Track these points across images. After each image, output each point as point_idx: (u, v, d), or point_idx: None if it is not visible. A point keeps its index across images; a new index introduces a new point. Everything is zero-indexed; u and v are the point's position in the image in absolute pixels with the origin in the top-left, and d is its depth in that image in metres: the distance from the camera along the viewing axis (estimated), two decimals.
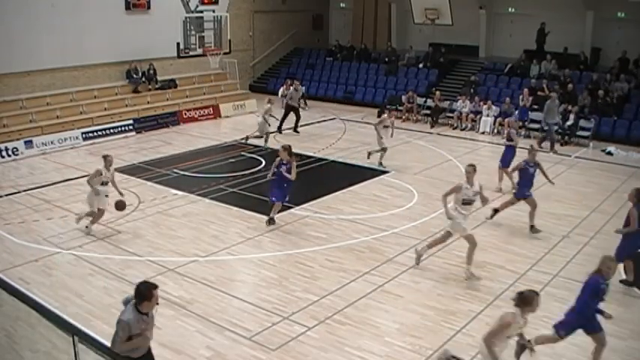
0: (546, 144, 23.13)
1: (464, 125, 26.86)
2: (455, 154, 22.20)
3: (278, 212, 15.17)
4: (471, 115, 26.84)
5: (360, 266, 12.78)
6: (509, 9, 32.91)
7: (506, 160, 18.14)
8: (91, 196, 14.27)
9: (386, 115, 20.91)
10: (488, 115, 26.18)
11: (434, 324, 10.65)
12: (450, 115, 27.58)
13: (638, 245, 12.21)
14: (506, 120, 17.34)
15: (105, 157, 14.39)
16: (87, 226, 14.53)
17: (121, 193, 14.51)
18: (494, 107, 26.34)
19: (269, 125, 22.99)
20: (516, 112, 25.63)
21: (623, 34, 29.11)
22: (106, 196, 14.38)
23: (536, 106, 26.38)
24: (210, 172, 19.35)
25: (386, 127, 20.36)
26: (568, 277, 12.53)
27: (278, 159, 15.03)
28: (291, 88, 26.09)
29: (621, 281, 12.37)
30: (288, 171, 14.77)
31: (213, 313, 10.87)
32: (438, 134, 25.67)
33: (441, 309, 11.15)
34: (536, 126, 25.63)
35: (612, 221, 15.77)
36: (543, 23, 30.33)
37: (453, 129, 26.75)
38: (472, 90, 28.58)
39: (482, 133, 25.95)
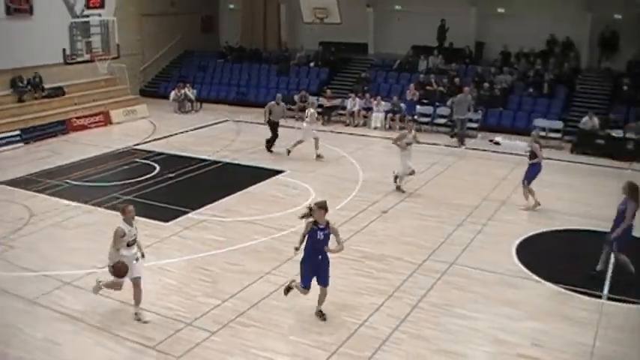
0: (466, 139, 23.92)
1: (356, 122, 27.25)
2: (348, 150, 22.50)
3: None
4: (363, 112, 27.27)
5: (260, 267, 12.77)
6: (396, 6, 33.58)
7: (530, 177, 16.56)
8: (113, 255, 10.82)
9: (406, 129, 18.06)
10: (378, 111, 26.67)
11: (336, 319, 10.76)
12: (342, 112, 27.90)
13: (629, 238, 12.37)
14: (532, 133, 16.74)
15: (123, 209, 10.84)
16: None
17: (142, 254, 11.09)
18: (383, 103, 26.87)
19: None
20: (402, 105, 26.37)
21: (504, 29, 30.22)
22: (136, 260, 10.79)
23: (425, 101, 27.16)
24: (104, 181, 18.88)
25: (408, 144, 17.49)
26: (464, 264, 12.94)
27: (308, 222, 10.46)
28: (273, 101, 22.68)
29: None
30: (328, 237, 10.43)
31: (115, 324, 10.62)
32: (331, 132, 25.91)
33: (342, 304, 11.27)
34: (426, 119, 26.48)
35: (503, 208, 16.43)
36: (443, 20, 31.23)
37: (346, 126, 27.09)
38: (363, 87, 29.04)
39: (375, 128, 26.40)
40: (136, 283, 10.69)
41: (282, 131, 22.41)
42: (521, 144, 23.60)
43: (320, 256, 10.48)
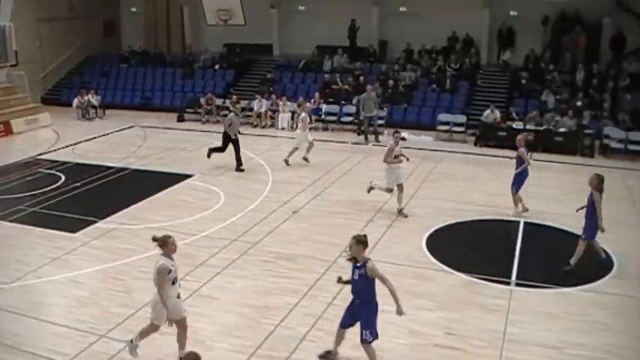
0: (371, 136, 24.24)
1: (263, 123, 27.25)
2: (257, 151, 22.49)
3: None
4: (270, 113, 27.30)
5: None
6: (299, 7, 33.79)
7: (519, 183, 16.20)
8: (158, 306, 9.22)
9: (392, 141, 16.24)
10: (284, 112, 26.75)
11: (253, 321, 10.76)
12: (250, 114, 27.86)
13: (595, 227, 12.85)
14: (518, 138, 16.33)
15: (165, 241, 9.10)
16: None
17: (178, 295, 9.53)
18: (289, 103, 26.93)
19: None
20: (308, 105, 26.50)
21: (407, 27, 30.85)
22: (178, 296, 9.44)
23: (331, 100, 27.44)
24: (7, 193, 18.26)
25: (397, 156, 16.04)
26: (376, 259, 12.98)
27: (347, 253, 9.26)
28: (232, 113, 21.09)
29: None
30: (365, 277, 8.96)
31: (26, 341, 10.27)
32: (240, 133, 25.80)
33: (258, 306, 11.29)
34: (333, 118, 26.76)
35: (412, 202, 16.75)
36: (354, 20, 31.52)
37: (253, 127, 27.05)
38: (269, 88, 29.08)
39: (282, 129, 26.49)
40: (183, 325, 9.46)
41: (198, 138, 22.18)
42: (426, 139, 24.24)
43: (357, 301, 9.13)
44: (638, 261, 13.51)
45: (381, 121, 25.66)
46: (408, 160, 16.23)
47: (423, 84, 28.41)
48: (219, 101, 28.69)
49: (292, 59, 32.37)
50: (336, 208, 16.52)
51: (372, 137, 24.27)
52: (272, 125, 27.11)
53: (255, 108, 27.48)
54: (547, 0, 28.84)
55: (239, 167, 20.15)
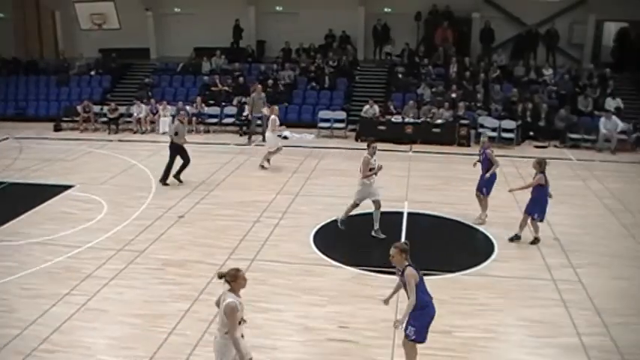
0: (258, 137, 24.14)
1: (144, 128, 26.75)
2: (139, 158, 22.04)
3: None
4: (150, 117, 26.82)
5: (58, 288, 12.20)
6: (175, 9, 33.38)
7: (489, 187, 15.68)
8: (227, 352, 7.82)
9: (367, 152, 14.63)
10: (165, 116, 26.35)
11: (145, 331, 10.55)
12: (129, 119, 27.28)
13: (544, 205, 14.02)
14: (482, 140, 16.17)
15: (234, 274, 7.85)
16: None
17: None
18: (169, 107, 26.54)
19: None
20: (187, 108, 26.32)
21: (284, 26, 31.04)
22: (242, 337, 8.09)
23: (211, 102, 27.27)
24: None
25: (372, 169, 14.53)
26: (264, 259, 13.18)
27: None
28: (176, 120, 19.79)
29: (510, 239, 14.29)
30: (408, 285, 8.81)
31: None
32: (120, 140, 25.26)
33: (149, 315, 11.08)
34: (214, 120, 26.60)
35: (298, 200, 16.89)
36: (238, 20, 31.36)
37: (134, 133, 26.51)
38: (148, 92, 28.58)
39: (163, 133, 26.00)
40: None
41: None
42: (308, 136, 24.48)
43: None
44: (517, 243, 14.17)
45: (260, 121, 25.64)
46: (380, 168, 14.60)
47: (303, 82, 28.67)
48: (96, 108, 27.92)
49: (170, 62, 31.91)
50: (222, 210, 16.44)
51: (256, 137, 24.24)
52: (152, 130, 26.63)
53: (135, 114, 26.91)
54: None
55: (165, 180, 18.74)
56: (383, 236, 14.26)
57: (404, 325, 8.70)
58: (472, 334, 10.31)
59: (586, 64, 29.96)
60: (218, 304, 7.85)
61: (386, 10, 30.94)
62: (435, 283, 12.08)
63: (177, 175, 18.79)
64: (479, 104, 26.09)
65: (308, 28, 30.38)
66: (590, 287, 12.14)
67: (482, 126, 24.54)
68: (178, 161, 18.82)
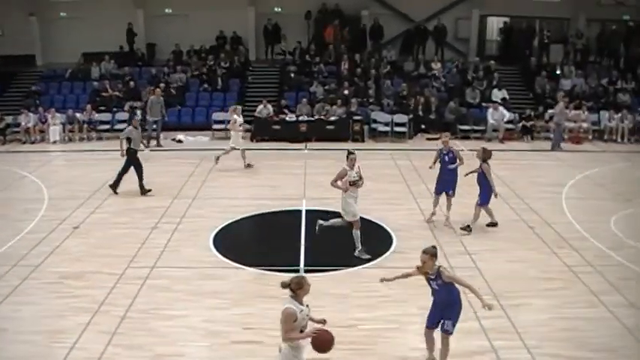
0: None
1: (33, 138, 25.78)
2: (29, 169, 21.23)
3: None
4: (39, 127, 25.86)
5: None
6: (61, 13, 32.28)
7: (453, 184, 15.31)
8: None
9: (346, 163, 13.48)
10: (55, 124, 25.47)
11: (46, 348, 10.14)
12: (17, 129, 26.23)
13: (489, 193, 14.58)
14: (443, 135, 15.71)
15: (300, 282, 7.94)
16: None
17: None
18: (58, 115, 25.62)
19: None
20: (77, 115, 25.64)
21: (174, 29, 30.59)
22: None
23: (102, 108, 26.61)
24: None
25: (353, 183, 13.30)
26: (165, 265, 12.94)
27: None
28: (130, 126, 18.56)
29: (488, 224, 14.98)
30: (445, 284, 9.02)
31: None
32: (8, 152, 24.32)
33: (49, 330, 10.65)
34: (106, 127, 25.95)
35: (195, 204, 16.68)
36: (130, 24, 30.60)
37: (23, 143, 25.50)
38: (35, 101, 27.56)
39: (54, 142, 25.18)
40: None
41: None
42: (203, 139, 24.25)
43: (441, 306, 9.18)
44: (414, 234, 14.50)
45: (155, 125, 25.26)
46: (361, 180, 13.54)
47: (195, 84, 28.38)
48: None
49: (58, 69, 30.82)
50: (118, 218, 16.04)
51: (152, 142, 23.79)
52: (42, 140, 25.70)
53: (23, 123, 25.85)
54: None
55: (115, 188, 17.91)
56: (367, 256, 13.22)
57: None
58: (376, 325, 10.47)
59: (472, 57, 30.92)
60: None
61: (276, 9, 31.02)
62: (336, 278, 12.26)
63: (142, 189, 17.74)
64: (371, 100, 26.54)
65: (198, 29, 30.09)
66: (487, 272, 12.56)
67: (375, 121, 25.02)
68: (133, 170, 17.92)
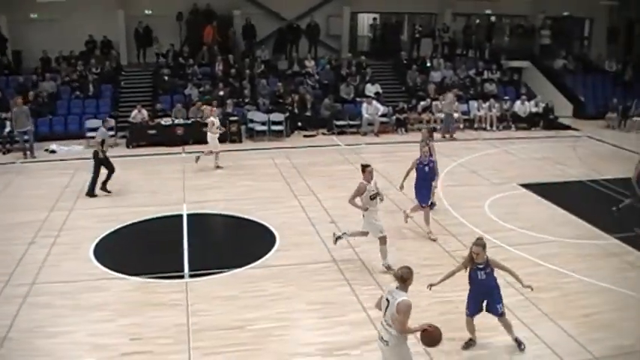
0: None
1: None
2: None
3: None
4: None
5: None
6: None
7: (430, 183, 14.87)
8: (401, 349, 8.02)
9: (363, 179, 12.56)
10: None
11: None
12: None
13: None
14: (422, 131, 15.73)
15: (410, 273, 8.03)
16: None
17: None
18: None
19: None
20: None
21: (41, 35, 29.40)
22: None
23: None
24: None
25: (373, 197, 12.60)
26: (45, 281, 12.47)
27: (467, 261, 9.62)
28: (102, 128, 18.01)
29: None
30: (492, 273, 9.59)
31: None
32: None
33: None
34: None
35: (72, 216, 16.17)
36: None
37: None
38: None
39: None
40: None
41: None
42: (77, 148, 23.51)
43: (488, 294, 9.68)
44: (296, 231, 14.68)
45: (27, 136, 24.25)
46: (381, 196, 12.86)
47: (66, 92, 27.43)
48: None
49: None
50: None
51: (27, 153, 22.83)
52: None
53: None
54: None
55: (92, 192, 17.69)
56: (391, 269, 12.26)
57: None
58: (266, 324, 10.54)
59: (344, 54, 31.47)
60: (379, 306, 8.11)
61: (146, 12, 30.40)
62: (222, 280, 12.27)
63: (104, 186, 17.79)
64: (247, 100, 26.57)
65: (67, 35, 29.00)
66: (370, 263, 12.92)
67: (251, 121, 25.08)
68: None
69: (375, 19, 32.97)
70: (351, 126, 26.05)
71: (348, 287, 11.93)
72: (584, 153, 23.45)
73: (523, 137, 26.01)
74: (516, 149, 23.40)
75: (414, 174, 15.02)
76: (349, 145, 23.86)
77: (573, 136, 26.54)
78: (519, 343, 9.84)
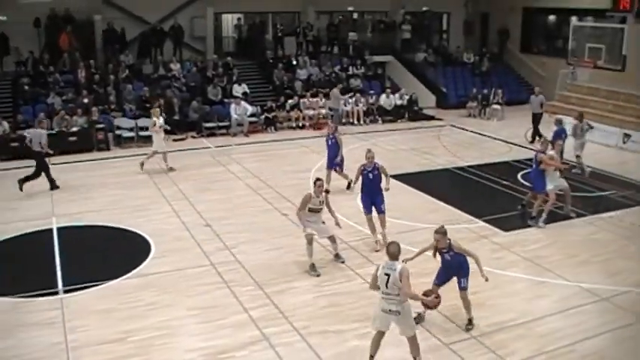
0: None
1: None
2: None
3: None
4: None
5: None
6: None
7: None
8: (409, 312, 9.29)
9: (312, 191, 12.76)
10: None
11: None
12: None
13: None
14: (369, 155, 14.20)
15: (399, 250, 9.23)
16: None
17: None
18: None
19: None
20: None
21: None
22: None
23: None
24: None
25: (314, 211, 12.81)
26: None
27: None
28: (38, 127, 19.01)
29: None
30: (456, 254, 10.36)
31: None
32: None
33: None
34: None
35: None
36: None
37: None
38: None
39: None
40: None
41: None
42: None
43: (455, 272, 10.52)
44: (171, 237, 14.56)
45: None
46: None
47: None
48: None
49: None
50: None
51: None
52: None
53: None
54: (33, 1, 28.45)
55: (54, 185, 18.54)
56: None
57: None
58: (147, 334, 10.42)
59: (210, 55, 31.30)
60: (375, 284, 9.08)
61: (1, 18, 29.04)
62: (99, 293, 12.02)
63: (23, 181, 18.15)
64: (112, 106, 25.97)
65: None
66: (248, 264, 13.05)
67: (119, 128, 24.54)
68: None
69: (239, 19, 33.07)
70: (221, 127, 25.99)
71: (227, 289, 11.98)
72: (449, 141, 24.48)
73: (390, 130, 26.84)
74: (384, 141, 24.09)
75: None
76: (219, 146, 23.81)
77: (437, 126, 27.64)
78: (470, 321, 10.62)
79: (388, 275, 8.81)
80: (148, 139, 23.94)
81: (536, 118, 24.32)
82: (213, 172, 20.07)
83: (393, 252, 8.96)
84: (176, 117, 25.70)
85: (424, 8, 35.67)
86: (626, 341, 10.39)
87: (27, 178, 18.22)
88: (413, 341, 9.20)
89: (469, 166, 20.65)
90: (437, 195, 17.61)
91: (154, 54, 30.33)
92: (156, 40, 30.26)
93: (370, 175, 14.02)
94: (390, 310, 8.90)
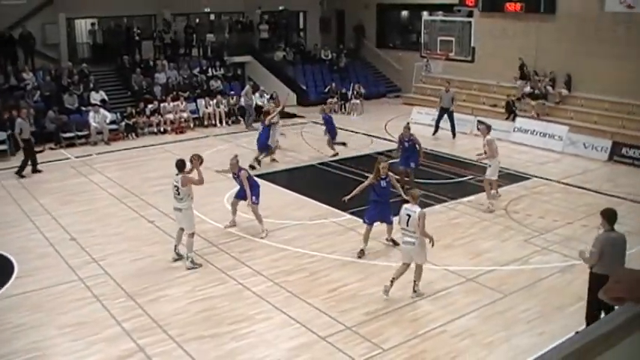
0: None
1: None
2: None
3: None
4: None
5: None
6: None
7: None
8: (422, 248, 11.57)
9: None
10: None
11: None
12: None
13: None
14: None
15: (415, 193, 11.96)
16: None
17: None
18: None
19: None
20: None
21: None
22: None
23: None
24: None
25: None
26: None
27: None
28: (18, 119, 21.36)
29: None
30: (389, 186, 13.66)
31: None
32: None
33: None
34: None
35: None
36: None
37: None
38: None
39: None
40: None
41: None
42: None
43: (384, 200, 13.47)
44: (36, 254, 14.03)
45: None
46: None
47: None
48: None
49: None
50: None
51: None
52: None
53: None
54: None
55: (21, 172, 20.41)
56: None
57: None
58: (17, 358, 10.00)
59: (64, 62, 30.22)
60: (399, 222, 11.51)
61: None
62: None
63: (20, 172, 20.32)
64: None
65: None
66: (117, 275, 12.84)
67: None
68: None
69: (93, 24, 32.13)
70: (80, 137, 25.17)
71: (98, 304, 11.75)
72: (311, 138, 24.87)
73: (253, 130, 26.84)
74: (248, 141, 24.11)
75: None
76: (80, 156, 23.07)
77: (300, 124, 28.01)
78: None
79: (409, 216, 11.11)
80: (3, 154, 23.06)
81: (442, 113, 25.15)
82: (75, 184, 19.49)
83: (417, 196, 11.40)
84: (32, 128, 24.67)
85: (280, 7, 36.05)
86: (494, 316, 11.10)
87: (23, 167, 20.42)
88: (419, 269, 11.51)
89: (333, 161, 21.12)
90: (303, 192, 17.97)
91: (4, 64, 28.94)
92: (5, 49, 28.90)
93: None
94: (407, 242, 11.28)
